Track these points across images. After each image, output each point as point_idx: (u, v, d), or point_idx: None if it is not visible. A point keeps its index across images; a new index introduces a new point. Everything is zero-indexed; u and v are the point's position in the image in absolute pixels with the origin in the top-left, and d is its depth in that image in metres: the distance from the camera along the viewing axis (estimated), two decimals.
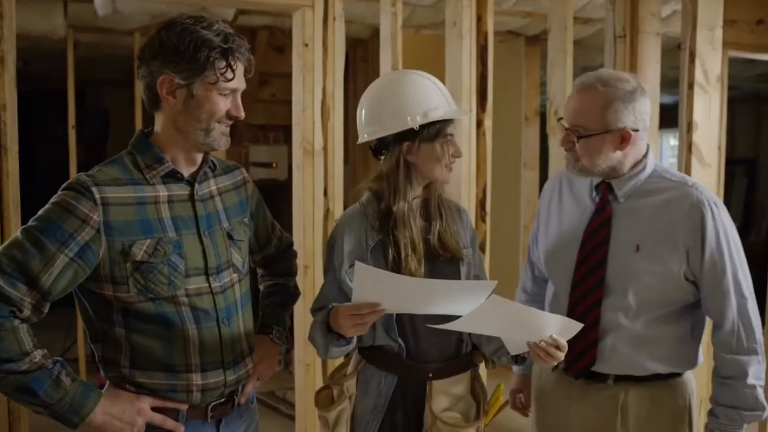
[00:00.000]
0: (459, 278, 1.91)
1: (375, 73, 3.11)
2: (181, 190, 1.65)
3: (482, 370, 2.03)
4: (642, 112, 1.90)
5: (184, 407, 1.64)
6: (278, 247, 2.00)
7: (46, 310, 1.55)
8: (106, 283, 1.57)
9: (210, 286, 1.65)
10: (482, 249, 3.11)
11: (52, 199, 1.56)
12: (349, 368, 1.96)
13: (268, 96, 5.80)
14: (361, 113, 1.91)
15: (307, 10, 3.01)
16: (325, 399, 1.97)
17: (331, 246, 1.90)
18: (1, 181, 2.71)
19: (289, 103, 3.13)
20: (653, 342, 1.92)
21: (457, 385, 1.91)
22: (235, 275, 1.72)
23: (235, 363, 1.71)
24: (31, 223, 1.55)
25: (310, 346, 3.10)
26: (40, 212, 1.56)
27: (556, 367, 2.04)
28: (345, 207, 3.20)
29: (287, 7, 3.11)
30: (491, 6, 3.05)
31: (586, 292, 1.95)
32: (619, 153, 1.90)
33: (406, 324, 1.86)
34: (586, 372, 1.97)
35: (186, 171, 1.67)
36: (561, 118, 1.98)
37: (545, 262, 2.11)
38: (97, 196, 1.53)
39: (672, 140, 9.03)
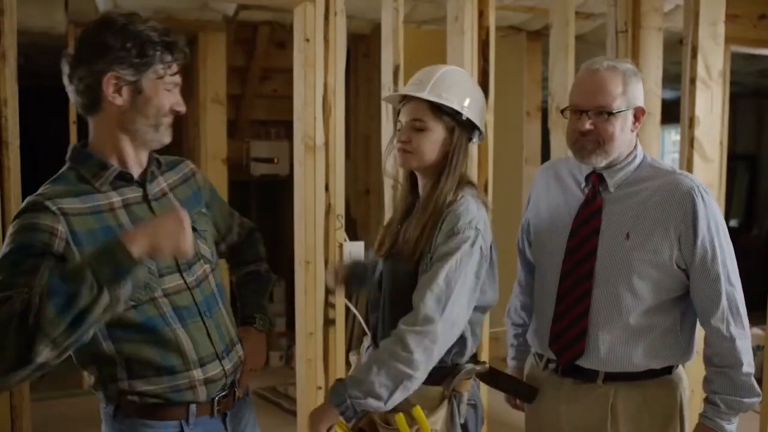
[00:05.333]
0: (413, 282, 1.81)
1: (376, 69, 3.11)
2: (133, 193, 1.63)
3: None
4: (643, 93, 1.95)
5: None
6: (240, 233, 1.98)
7: None
8: None
9: (186, 282, 1.64)
10: None
11: (11, 230, 1.49)
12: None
13: (269, 91, 5.80)
14: None
15: (309, 5, 3.01)
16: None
17: None
18: (2, 176, 2.71)
19: (291, 98, 3.12)
20: (643, 334, 1.91)
21: (428, 396, 1.83)
22: (206, 266, 1.72)
23: (228, 352, 1.71)
24: (2, 253, 1.47)
25: (311, 341, 3.13)
26: (4, 246, 1.48)
27: (547, 366, 2.05)
28: (346, 202, 3.20)
29: (288, 2, 3.10)
30: (493, 1, 3.04)
31: (575, 282, 1.95)
32: (632, 135, 1.93)
33: (380, 302, 1.91)
34: (573, 364, 1.96)
35: (135, 172, 1.64)
36: (565, 109, 1.96)
37: (534, 252, 2.11)
38: (53, 208, 1.49)
39: (674, 135, 9.02)
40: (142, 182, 1.65)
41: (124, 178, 1.62)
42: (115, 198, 1.59)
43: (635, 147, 1.97)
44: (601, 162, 1.93)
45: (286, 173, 5.65)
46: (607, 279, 1.91)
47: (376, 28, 3.72)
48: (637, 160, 1.97)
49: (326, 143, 3.08)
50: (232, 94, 5.49)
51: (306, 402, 3.15)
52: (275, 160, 5.83)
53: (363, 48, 5.57)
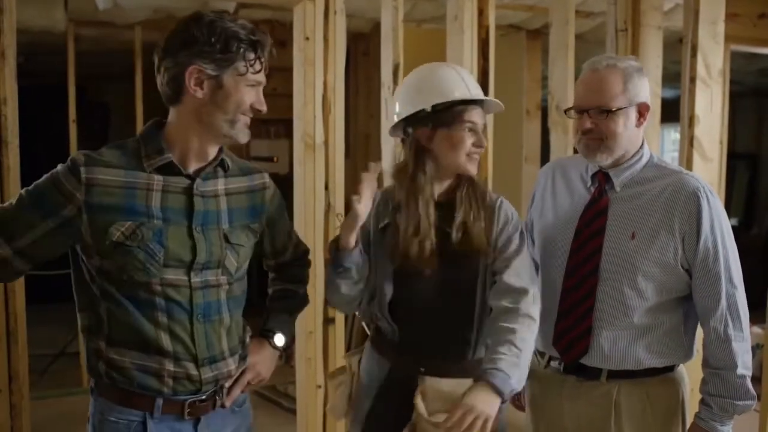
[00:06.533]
0: (476, 278, 1.87)
1: (376, 67, 3.11)
2: (179, 182, 1.64)
3: None
4: (648, 89, 1.95)
5: None
6: (294, 254, 1.98)
7: (26, 269, 1.62)
8: (93, 254, 1.60)
9: (189, 281, 1.64)
10: None
11: (54, 170, 1.61)
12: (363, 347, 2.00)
13: (269, 90, 5.65)
14: (396, 97, 1.97)
15: (308, 3, 3.01)
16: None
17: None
18: (2, 175, 2.71)
19: (290, 96, 3.12)
20: (647, 333, 1.92)
21: (459, 389, 1.79)
22: (223, 277, 1.70)
23: (213, 361, 1.68)
24: (31, 186, 1.62)
25: (311, 340, 3.13)
26: (42, 178, 1.62)
27: (549, 363, 2.04)
28: (346, 201, 3.19)
29: (288, 1, 3.11)
30: (493, 0, 3.04)
31: (580, 280, 1.96)
32: (637, 130, 1.93)
33: (402, 307, 1.85)
34: (577, 362, 1.96)
35: (193, 166, 1.67)
36: (569, 109, 1.98)
37: (539, 250, 2.11)
38: (83, 176, 1.56)
39: (673, 134, 9.02)
40: (194, 177, 1.66)
41: (170, 169, 1.64)
42: (157, 180, 1.62)
43: (642, 146, 1.98)
44: (606, 159, 1.94)
45: (285, 172, 5.65)
46: (612, 277, 1.92)
47: (376, 26, 3.72)
48: (644, 160, 1.98)
49: (326, 142, 3.08)
50: None
51: (305, 400, 3.15)
52: (275, 159, 5.84)
53: (363, 47, 5.57)
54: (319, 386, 3.12)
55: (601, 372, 1.95)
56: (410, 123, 1.87)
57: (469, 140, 1.85)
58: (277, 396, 4.74)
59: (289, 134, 4.08)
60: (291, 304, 1.98)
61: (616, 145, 1.92)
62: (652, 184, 1.94)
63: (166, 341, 1.62)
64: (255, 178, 1.81)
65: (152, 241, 1.59)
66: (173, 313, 1.63)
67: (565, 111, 2.04)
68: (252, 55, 1.61)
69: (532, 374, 2.12)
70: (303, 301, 2.02)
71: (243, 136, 1.66)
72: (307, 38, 3.02)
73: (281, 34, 5.14)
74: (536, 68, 5.33)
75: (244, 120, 1.65)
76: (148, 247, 1.58)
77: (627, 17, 3.17)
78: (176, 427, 1.66)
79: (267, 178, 1.85)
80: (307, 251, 2.03)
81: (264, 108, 1.66)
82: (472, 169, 1.89)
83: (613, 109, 1.88)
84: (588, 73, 1.95)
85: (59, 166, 1.61)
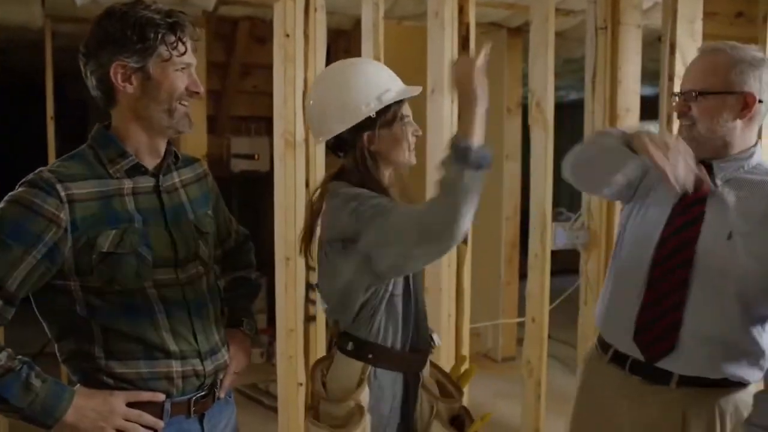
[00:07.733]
0: None
1: None
2: (146, 182, 1.62)
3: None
4: (766, 82, 1.77)
5: (159, 398, 1.60)
6: (237, 239, 1.98)
7: (10, 316, 1.49)
8: (71, 275, 1.53)
9: (178, 278, 1.63)
10: (464, 240, 3.12)
11: (13, 198, 1.49)
12: (355, 380, 1.77)
13: (250, 87, 5.78)
14: (312, 112, 1.84)
15: (288, 0, 2.99)
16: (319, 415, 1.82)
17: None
18: None
19: (271, 94, 3.11)
20: (739, 343, 1.76)
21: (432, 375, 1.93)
22: (201, 268, 1.70)
23: (212, 353, 1.69)
24: None
25: (291, 338, 3.12)
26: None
27: (614, 359, 1.90)
28: None
29: None
30: None
31: (671, 270, 1.82)
32: (738, 123, 1.77)
33: (413, 315, 1.82)
34: (659, 360, 1.81)
35: (150, 163, 1.65)
36: (674, 94, 1.87)
37: (622, 238, 1.98)
38: (62, 193, 1.49)
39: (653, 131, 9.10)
40: (157, 173, 1.65)
41: (138, 170, 1.62)
42: (127, 184, 1.60)
43: (755, 145, 1.82)
44: (696, 146, 1.74)
45: (266, 169, 5.63)
46: (706, 273, 1.78)
47: (357, 23, 3.71)
48: (754, 160, 1.81)
49: (306, 139, 3.07)
50: (212, 90, 5.46)
51: (286, 399, 3.15)
52: (256, 156, 5.81)
53: (343, 44, 5.55)
54: (301, 384, 3.12)
55: (671, 377, 1.80)
56: (350, 131, 1.78)
57: (409, 132, 1.81)
58: (258, 394, 4.73)
59: (269, 132, 4.07)
60: (248, 291, 1.99)
61: (708, 131, 1.77)
62: (757, 186, 1.77)
63: (170, 342, 1.61)
64: (196, 167, 1.81)
65: (140, 244, 1.57)
66: (172, 312, 1.62)
67: (672, 94, 1.91)
68: (172, 38, 1.56)
69: (590, 364, 2.01)
70: (257, 286, 2.02)
71: (184, 125, 1.62)
72: (288, 35, 3.00)
73: (261, 31, 5.14)
74: (517, 66, 5.35)
75: (183, 109, 1.61)
76: (138, 251, 1.56)
77: (606, 15, 3.19)
78: (184, 427, 1.66)
79: (205, 165, 1.85)
80: (247, 235, 2.04)
81: (200, 89, 1.62)
82: (413, 160, 1.84)
83: (708, 92, 1.76)
84: (695, 57, 1.84)
85: (25, 190, 1.49)
